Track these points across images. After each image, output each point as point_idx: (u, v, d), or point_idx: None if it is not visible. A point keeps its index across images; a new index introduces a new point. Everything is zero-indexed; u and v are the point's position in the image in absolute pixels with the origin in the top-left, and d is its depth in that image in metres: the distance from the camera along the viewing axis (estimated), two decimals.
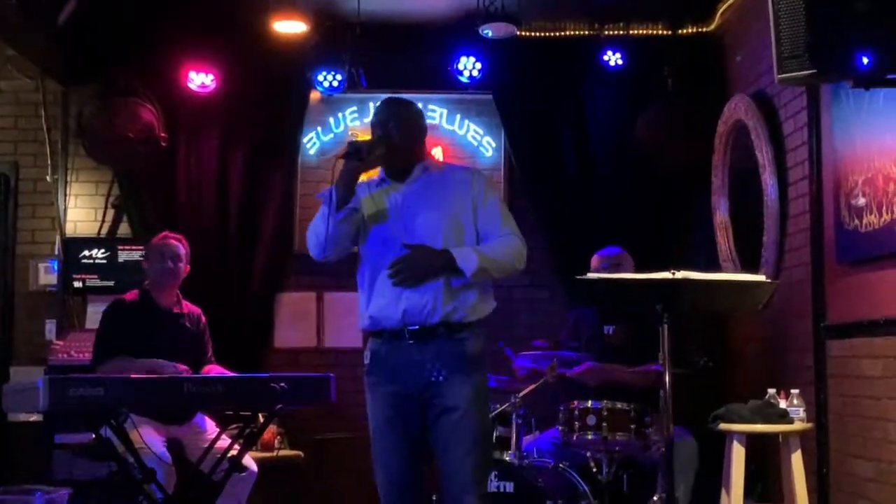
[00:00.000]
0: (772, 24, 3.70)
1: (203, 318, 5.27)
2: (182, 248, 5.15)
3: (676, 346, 4.00)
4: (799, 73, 3.65)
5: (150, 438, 4.55)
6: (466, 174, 3.85)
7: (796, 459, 4.58)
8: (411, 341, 3.65)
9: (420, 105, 3.99)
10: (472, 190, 3.74)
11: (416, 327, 3.64)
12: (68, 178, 6.59)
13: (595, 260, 5.46)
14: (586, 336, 5.60)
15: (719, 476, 4.82)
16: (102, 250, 6.38)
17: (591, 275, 4.08)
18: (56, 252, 6.50)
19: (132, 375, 3.93)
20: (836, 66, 3.63)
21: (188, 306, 5.23)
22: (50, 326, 6.44)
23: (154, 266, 5.10)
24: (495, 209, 3.77)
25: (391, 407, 3.69)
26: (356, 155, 3.64)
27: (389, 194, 3.78)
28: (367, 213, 3.75)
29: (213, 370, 5.06)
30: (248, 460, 4.72)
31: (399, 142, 3.73)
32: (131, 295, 5.12)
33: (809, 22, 3.59)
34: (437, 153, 6.57)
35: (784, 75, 3.68)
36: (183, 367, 4.76)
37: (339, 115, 6.75)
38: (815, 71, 3.63)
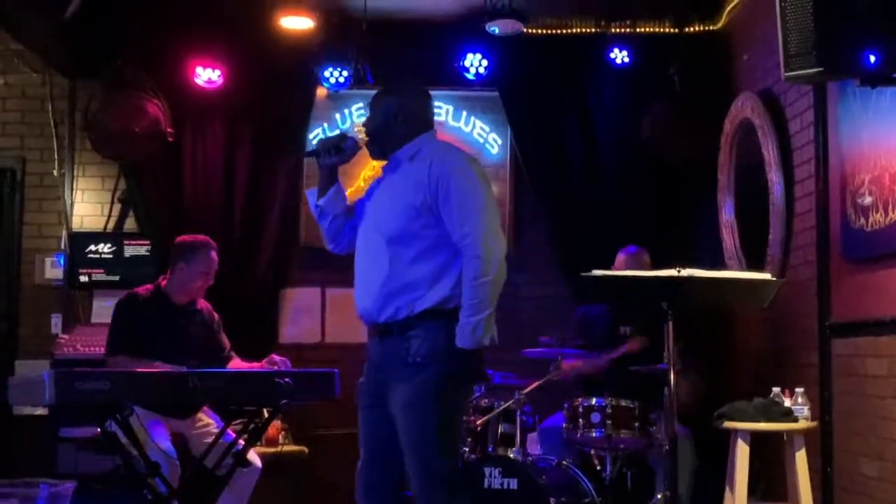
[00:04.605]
0: (779, 21, 3.70)
1: (215, 315, 5.27)
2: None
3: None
4: (806, 71, 3.65)
5: (155, 433, 4.56)
6: (422, 170, 3.55)
7: (800, 458, 4.58)
8: (375, 338, 3.63)
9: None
10: (428, 189, 3.50)
11: (371, 324, 3.62)
12: (75, 173, 6.61)
13: (621, 258, 5.50)
14: (598, 335, 5.59)
15: (723, 474, 4.82)
16: (109, 245, 6.39)
17: (596, 272, 4.08)
18: (62, 246, 6.51)
19: (138, 370, 3.93)
20: (842, 64, 3.63)
21: (201, 302, 5.23)
22: (56, 320, 6.45)
23: (191, 276, 5.03)
24: (451, 211, 3.48)
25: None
26: (315, 153, 3.78)
27: (378, 182, 3.79)
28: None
29: (238, 364, 5.06)
30: (252, 455, 4.72)
31: (370, 132, 3.75)
32: (144, 290, 5.11)
33: (816, 20, 3.59)
34: None
35: (791, 73, 3.68)
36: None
37: (346, 111, 6.75)
38: (821, 69, 3.63)
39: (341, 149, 3.72)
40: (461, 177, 3.52)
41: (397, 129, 3.67)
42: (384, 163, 3.79)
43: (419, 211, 3.51)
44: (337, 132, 3.82)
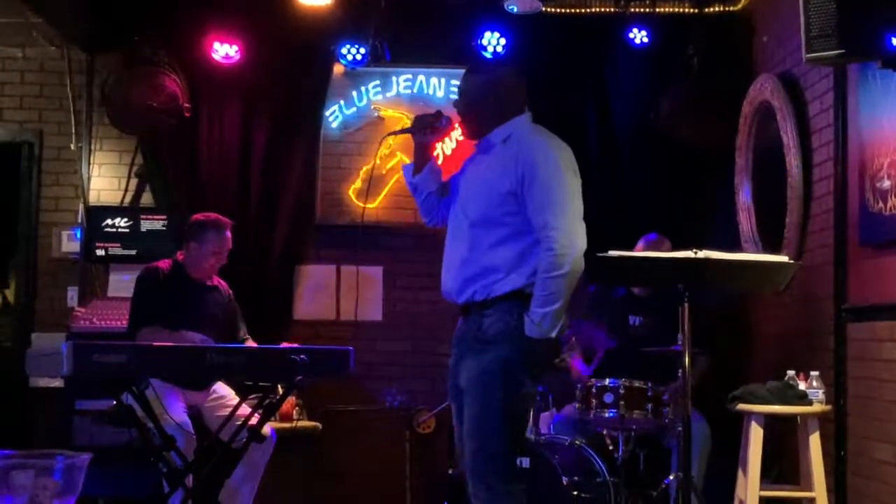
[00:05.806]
0: (801, 3, 3.68)
1: (231, 292, 5.30)
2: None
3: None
4: (827, 53, 3.64)
5: (171, 406, 4.59)
6: (511, 155, 3.55)
7: (814, 441, 4.58)
8: (461, 315, 3.68)
9: (491, 73, 3.89)
10: (515, 175, 3.50)
11: (452, 303, 3.68)
12: (92, 147, 6.61)
13: (641, 247, 5.47)
14: (610, 321, 5.57)
15: (736, 457, 4.83)
16: (125, 219, 6.41)
17: (612, 252, 4.07)
18: (79, 220, 6.53)
19: (156, 343, 3.95)
20: (864, 46, 3.61)
21: (217, 279, 5.26)
22: (72, 294, 6.47)
23: (203, 255, 5.09)
24: (534, 198, 3.49)
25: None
26: (410, 130, 3.84)
27: (471, 160, 3.80)
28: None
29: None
30: (266, 429, 4.75)
31: (462, 111, 3.75)
32: (164, 264, 5.13)
33: (839, 2, 3.57)
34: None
35: (812, 55, 3.67)
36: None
37: (362, 88, 6.73)
38: (843, 51, 3.62)
39: (436, 127, 3.76)
40: (546, 166, 3.51)
41: (487, 109, 3.68)
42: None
43: (504, 198, 3.51)
44: (433, 110, 3.85)
